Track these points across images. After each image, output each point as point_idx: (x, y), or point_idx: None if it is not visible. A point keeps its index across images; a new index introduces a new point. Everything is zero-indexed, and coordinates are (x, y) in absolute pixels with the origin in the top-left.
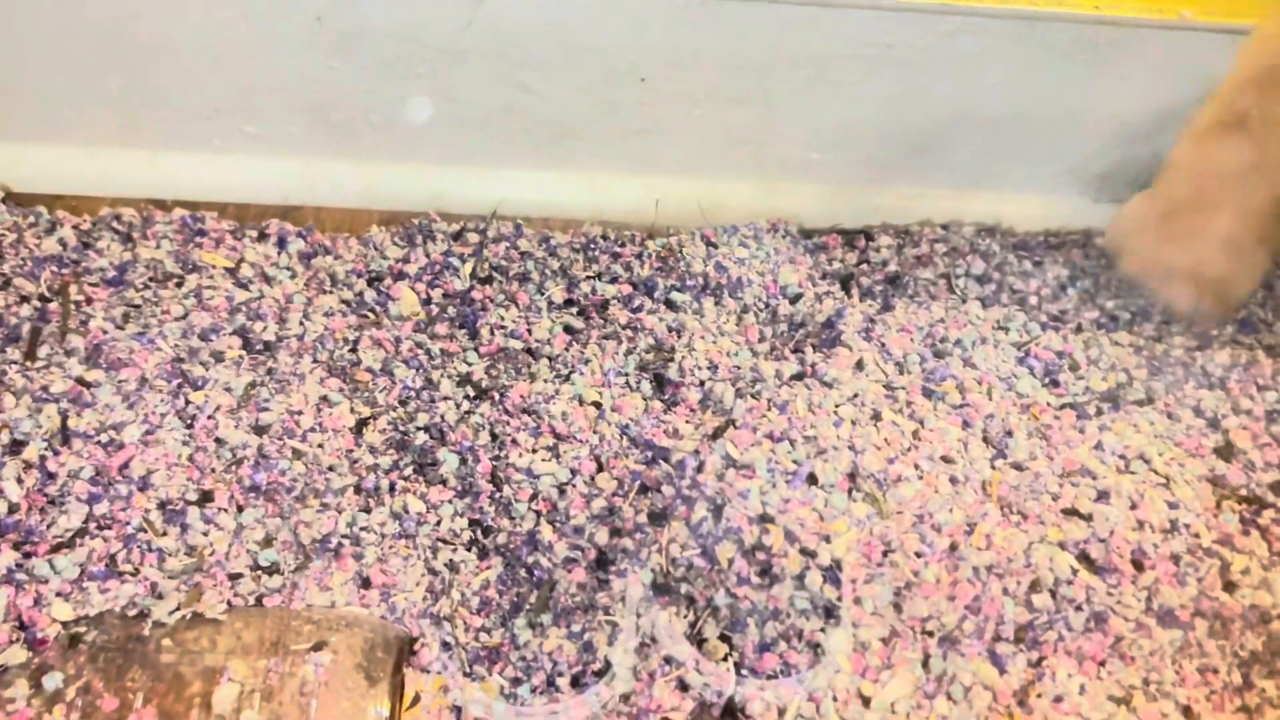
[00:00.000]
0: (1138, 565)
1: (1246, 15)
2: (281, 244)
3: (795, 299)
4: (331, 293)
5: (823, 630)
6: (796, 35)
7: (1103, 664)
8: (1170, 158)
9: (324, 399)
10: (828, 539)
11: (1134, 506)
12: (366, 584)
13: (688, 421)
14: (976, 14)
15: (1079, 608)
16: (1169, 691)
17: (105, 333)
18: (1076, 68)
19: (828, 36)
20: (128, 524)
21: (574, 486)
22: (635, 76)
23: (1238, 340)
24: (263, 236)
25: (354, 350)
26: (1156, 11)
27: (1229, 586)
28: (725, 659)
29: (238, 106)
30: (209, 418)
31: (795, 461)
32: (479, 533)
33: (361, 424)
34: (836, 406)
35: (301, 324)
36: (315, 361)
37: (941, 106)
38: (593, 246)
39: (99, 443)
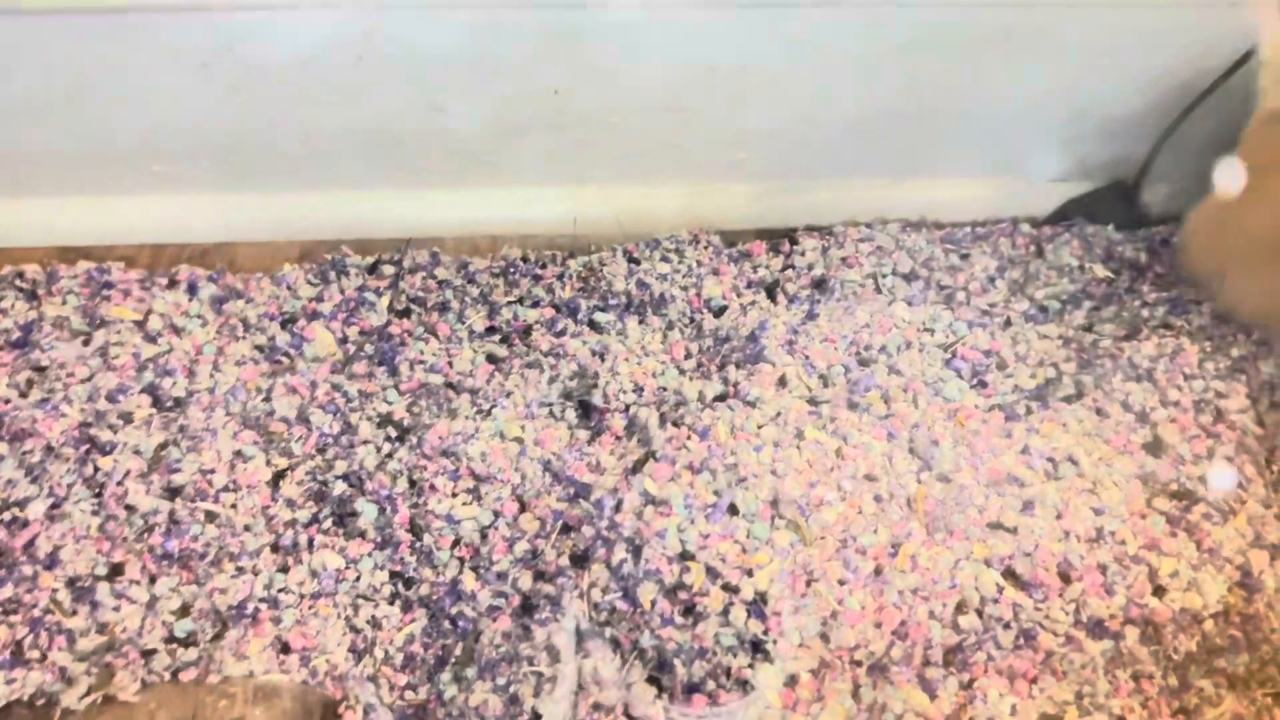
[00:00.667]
0: (1064, 577)
1: None
2: (192, 290)
3: (720, 312)
4: (244, 339)
5: (751, 666)
6: (714, 38)
7: (1034, 681)
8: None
9: (238, 454)
10: (750, 572)
11: (1059, 516)
12: (286, 649)
13: (611, 452)
14: (892, 4)
15: (1007, 625)
16: (1102, 704)
17: (8, 402)
18: (1000, 53)
19: (743, 37)
20: (34, 607)
21: (496, 530)
22: (548, 89)
23: (1168, 324)
24: (173, 284)
25: (268, 399)
26: None
27: (1158, 591)
28: (655, 701)
29: (144, 147)
30: (118, 484)
31: (716, 492)
32: (400, 585)
33: (278, 477)
34: (759, 428)
35: (212, 376)
36: (228, 414)
37: (866, 98)
38: (513, 270)
39: (1, 522)
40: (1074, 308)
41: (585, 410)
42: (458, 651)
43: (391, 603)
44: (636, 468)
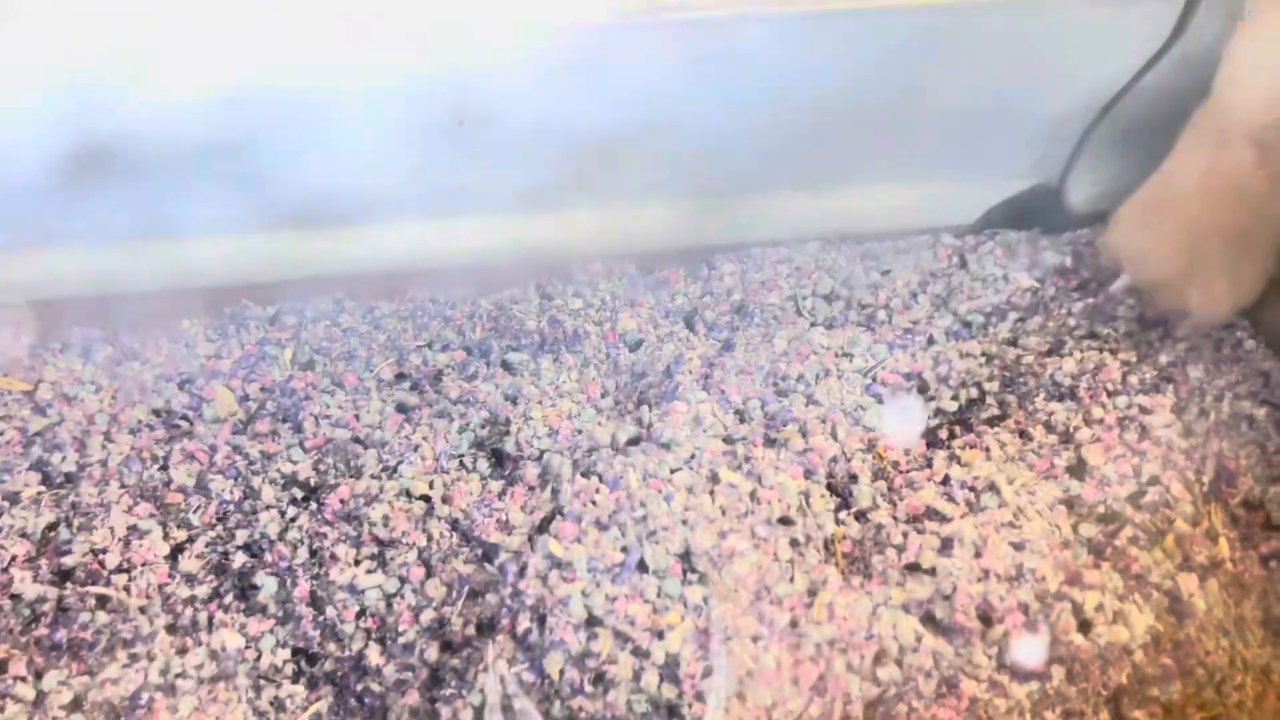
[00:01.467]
0: (985, 620)
1: None
2: (86, 355)
3: (636, 346)
4: (140, 403)
5: None
6: (626, 53)
7: None
8: (1176, 159)
9: (133, 529)
10: (661, 634)
11: (979, 554)
12: None
13: (523, 506)
14: (803, 18)
15: (928, 675)
16: None
17: None
18: (915, 59)
19: (654, 56)
20: None
21: (402, 598)
22: (452, 120)
23: (1094, 333)
24: (65, 348)
25: (165, 468)
26: None
27: (1084, 627)
28: None
29: None
30: (3, 571)
31: (624, 549)
32: (304, 662)
33: (176, 550)
34: (673, 472)
35: (105, 447)
36: (122, 487)
37: (782, 112)
38: (421, 313)
39: None
40: (999, 320)
41: (498, 459)
42: None
43: (295, 681)
44: (543, 526)
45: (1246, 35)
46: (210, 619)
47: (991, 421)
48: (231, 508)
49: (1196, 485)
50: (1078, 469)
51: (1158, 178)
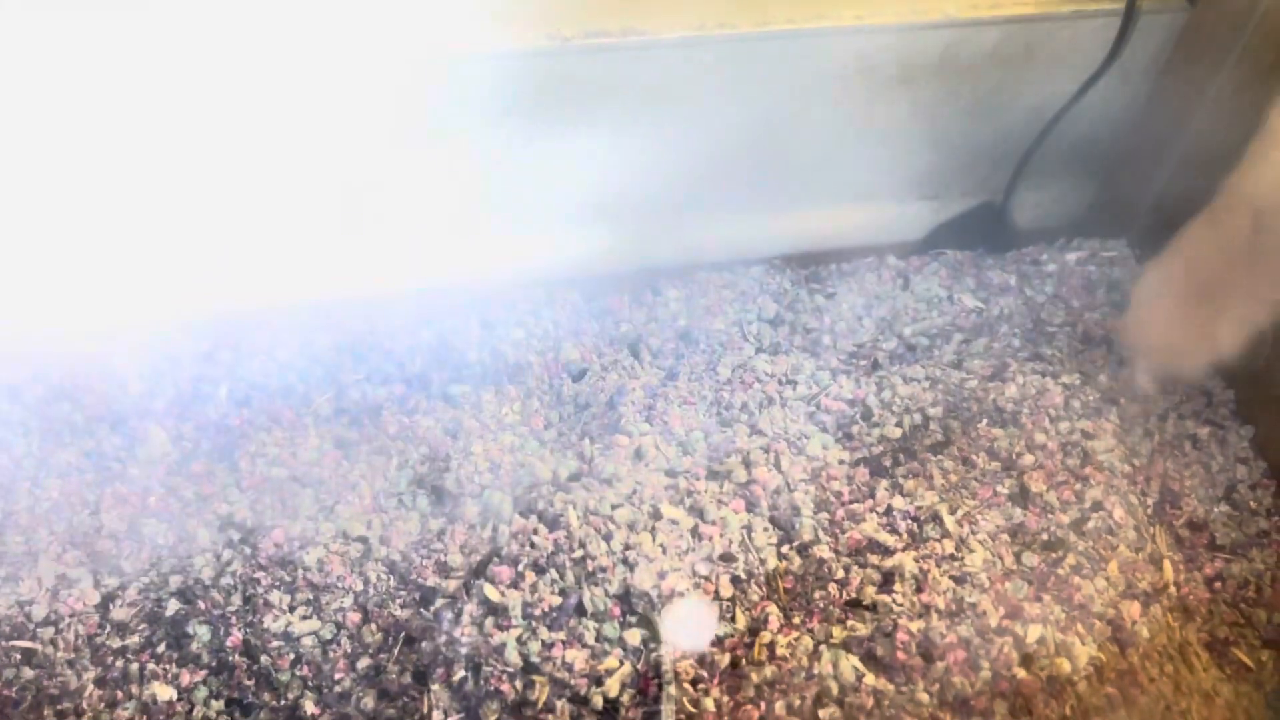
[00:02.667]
0: (926, 657)
1: (1011, 6)
2: (14, 395)
3: (579, 376)
4: (70, 445)
5: None
6: (564, 76)
7: None
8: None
9: (62, 578)
10: (599, 680)
11: (920, 590)
12: None
13: (462, 547)
14: (750, 38)
15: (869, 714)
16: None
17: None
18: (857, 80)
19: (598, 73)
20: None
21: (338, 645)
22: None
23: (1038, 354)
24: None
25: (95, 513)
26: (921, 14)
27: (1026, 660)
28: None
29: None
30: None
31: (562, 592)
32: (238, 713)
33: (107, 600)
34: (613, 509)
35: (33, 493)
36: (51, 534)
37: (726, 134)
38: (359, 345)
39: None
40: (943, 342)
41: (438, 496)
42: None
43: None
44: (480, 569)
45: None
46: (141, 670)
47: (935, 448)
48: (165, 552)
49: (1140, 509)
50: (1020, 496)
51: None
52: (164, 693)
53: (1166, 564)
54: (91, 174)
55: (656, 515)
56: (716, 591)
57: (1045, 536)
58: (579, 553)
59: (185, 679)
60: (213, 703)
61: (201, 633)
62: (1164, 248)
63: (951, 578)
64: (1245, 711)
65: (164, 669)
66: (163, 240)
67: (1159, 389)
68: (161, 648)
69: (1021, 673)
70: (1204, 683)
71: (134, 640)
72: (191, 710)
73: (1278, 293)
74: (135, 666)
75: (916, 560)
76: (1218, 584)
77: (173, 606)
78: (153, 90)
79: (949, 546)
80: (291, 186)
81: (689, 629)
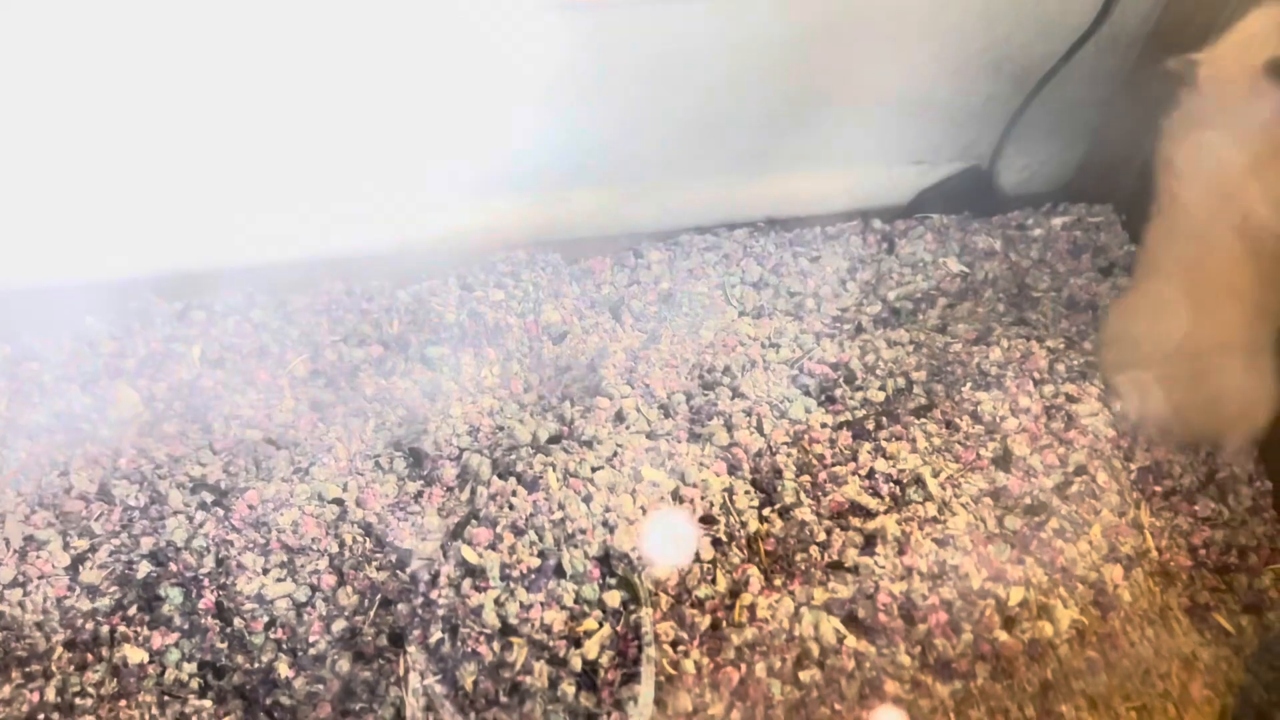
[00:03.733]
0: (908, 619)
1: None
2: None
3: (560, 338)
4: (40, 405)
5: None
6: (546, 40)
7: None
8: (1146, 285)
9: (30, 539)
10: (578, 642)
11: (902, 552)
12: None
13: (440, 509)
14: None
15: (850, 676)
16: None
17: None
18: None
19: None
20: None
21: (313, 608)
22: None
23: (1023, 319)
24: None
25: (65, 474)
26: None
27: (1008, 623)
28: None
29: None
30: None
31: (541, 554)
32: (211, 675)
33: (77, 561)
34: (594, 471)
35: (0, 454)
36: (19, 495)
37: (709, 96)
38: (336, 306)
39: None
40: (928, 306)
41: (415, 459)
42: None
43: (202, 696)
44: (458, 531)
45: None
46: (112, 633)
47: (918, 412)
48: (136, 514)
49: (1123, 474)
50: (1004, 460)
51: (1127, 309)
52: (135, 655)
53: (1148, 529)
54: (62, 121)
55: (637, 477)
56: (697, 554)
57: (1028, 500)
58: (558, 515)
59: (157, 641)
60: (185, 665)
61: (173, 595)
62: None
63: (934, 540)
64: (1224, 675)
65: (135, 632)
66: (133, 195)
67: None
68: (133, 610)
69: (1003, 635)
70: (1184, 647)
71: (104, 603)
72: (163, 673)
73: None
74: (106, 629)
75: (899, 523)
76: (1199, 550)
77: (144, 569)
78: (127, 30)
79: (931, 509)
80: (266, 143)
81: (668, 542)
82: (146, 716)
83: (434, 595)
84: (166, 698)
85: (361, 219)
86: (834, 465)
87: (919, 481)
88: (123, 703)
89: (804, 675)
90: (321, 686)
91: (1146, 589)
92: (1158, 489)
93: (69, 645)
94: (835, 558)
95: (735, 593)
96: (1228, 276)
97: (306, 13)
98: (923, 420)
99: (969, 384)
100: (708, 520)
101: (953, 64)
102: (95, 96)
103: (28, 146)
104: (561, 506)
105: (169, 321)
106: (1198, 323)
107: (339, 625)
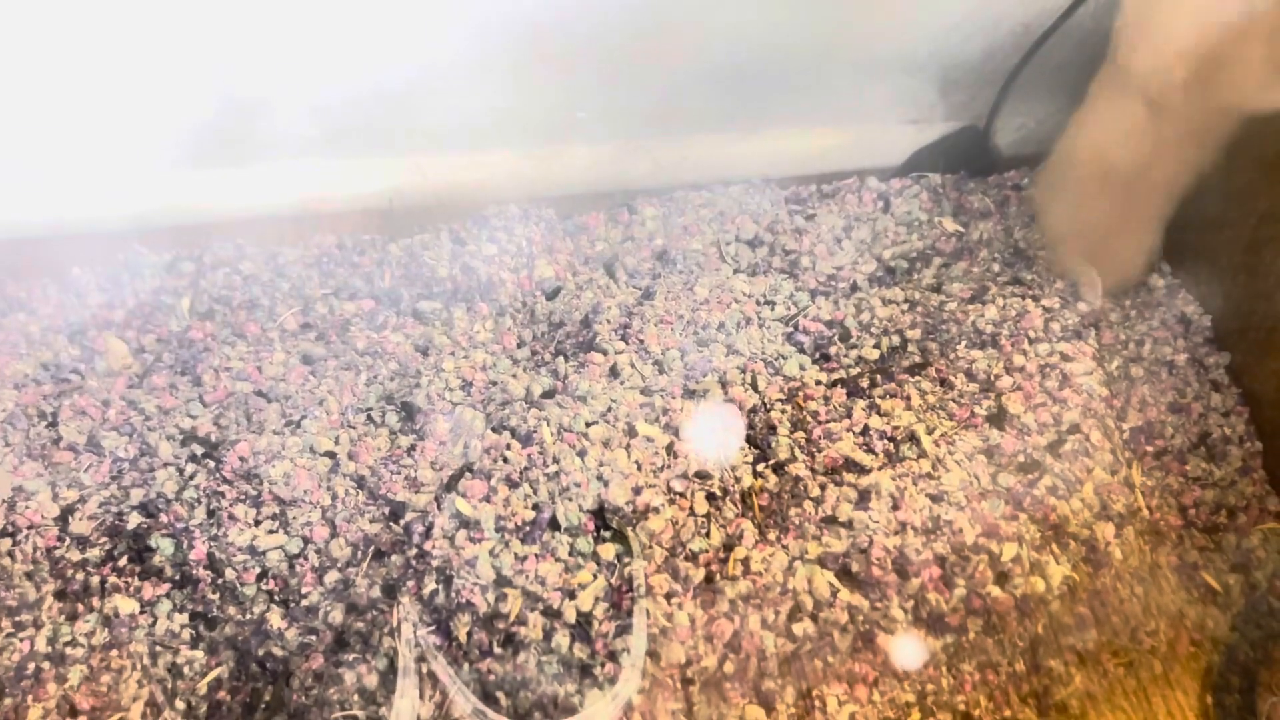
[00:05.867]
0: (902, 573)
1: None
2: None
3: (553, 294)
4: (27, 356)
5: (579, 693)
6: None
7: (874, 684)
8: (1079, 118)
9: (19, 490)
10: (573, 594)
11: (896, 507)
12: (74, 712)
13: (432, 463)
14: None
15: (843, 629)
16: (946, 701)
17: None
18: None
19: None
20: None
21: (305, 559)
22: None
23: (1018, 279)
24: None
25: (53, 425)
26: None
27: (1001, 579)
28: None
29: None
30: None
31: (535, 507)
32: (203, 626)
33: (66, 512)
34: (588, 425)
35: None
36: (7, 446)
37: (703, 49)
38: (327, 259)
39: None
40: (923, 266)
41: (408, 413)
42: (267, 697)
43: (194, 647)
44: (451, 484)
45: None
46: (103, 583)
47: (913, 370)
48: (126, 465)
49: (1116, 433)
50: (998, 418)
51: (1063, 137)
52: (126, 606)
53: (1139, 488)
54: (44, 68)
55: (631, 433)
56: (691, 508)
57: (1022, 458)
58: (553, 468)
59: (148, 592)
60: (176, 616)
61: (164, 546)
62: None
63: (928, 496)
64: (1210, 634)
65: (126, 582)
66: (118, 145)
67: (1105, 300)
68: (123, 561)
69: (996, 590)
70: (1172, 604)
71: (94, 553)
72: (155, 623)
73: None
74: (96, 579)
75: (893, 479)
76: (1189, 509)
77: (134, 520)
78: None
79: (925, 466)
80: (255, 93)
81: (715, 435)
82: (138, 666)
83: (428, 547)
84: (158, 648)
85: (351, 173)
86: (828, 422)
87: (913, 438)
88: (114, 653)
89: (797, 628)
90: (314, 637)
91: (1137, 547)
92: (1149, 449)
93: (59, 595)
94: (829, 512)
95: (729, 546)
96: (1128, 139)
97: None
98: (917, 378)
99: (964, 342)
100: (702, 475)
101: (950, 20)
102: (76, 40)
103: (7, 95)
104: (556, 460)
105: (157, 273)
106: (1099, 174)
107: (331, 577)
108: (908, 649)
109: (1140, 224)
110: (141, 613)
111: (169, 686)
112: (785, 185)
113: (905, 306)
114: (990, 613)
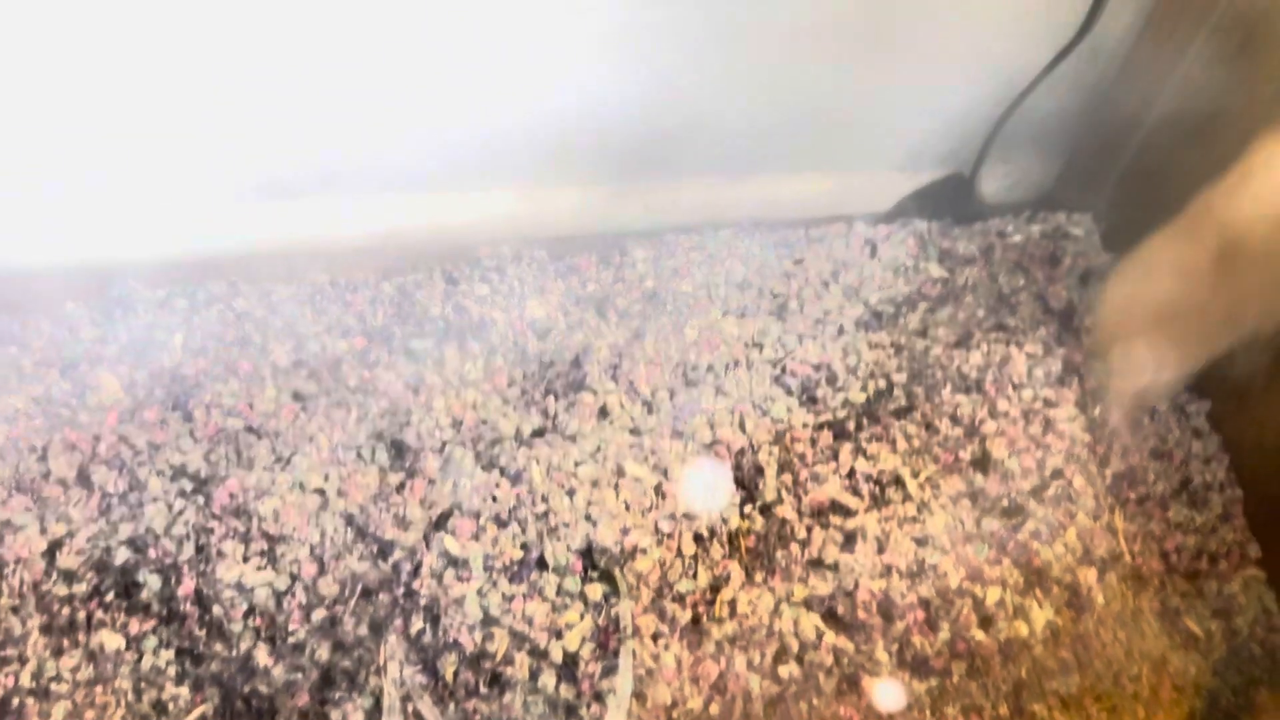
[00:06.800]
0: (886, 616)
1: None
2: None
3: (544, 334)
4: (18, 390)
5: None
6: (529, 19)
7: None
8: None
9: (6, 524)
10: (559, 634)
11: (881, 550)
12: None
13: (421, 501)
14: None
15: (828, 672)
16: None
17: None
18: (829, 44)
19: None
20: None
21: (293, 596)
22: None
23: (1002, 324)
24: None
25: (43, 459)
26: None
27: (985, 622)
28: None
29: None
30: None
31: (524, 546)
32: (189, 663)
33: (54, 546)
34: (577, 465)
35: None
36: None
37: (697, 94)
38: (320, 297)
39: None
40: (909, 310)
41: (398, 451)
42: None
43: (179, 683)
44: (440, 522)
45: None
46: (89, 618)
47: (898, 413)
48: (115, 500)
49: (1099, 478)
50: (982, 462)
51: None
52: (112, 641)
53: (1122, 533)
54: (42, 103)
55: (620, 473)
56: (679, 549)
57: (1005, 502)
58: (541, 508)
59: (134, 628)
60: (162, 652)
61: (152, 581)
62: (1128, 254)
63: (913, 539)
64: (1193, 680)
65: (112, 617)
66: (114, 181)
67: (1131, 425)
68: (110, 596)
69: (980, 634)
70: (1154, 650)
71: (81, 588)
72: (140, 659)
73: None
74: (83, 614)
75: (879, 522)
76: (1171, 555)
77: (122, 555)
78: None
79: (911, 509)
80: (248, 133)
81: (705, 490)
82: (123, 702)
83: (415, 585)
84: (143, 684)
85: (346, 211)
86: (815, 464)
87: (899, 481)
88: (99, 688)
89: (782, 670)
90: (300, 675)
91: (1119, 592)
92: (1132, 494)
93: (45, 630)
94: (816, 555)
95: (716, 588)
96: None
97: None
98: (903, 421)
99: (949, 387)
100: (689, 516)
101: (937, 71)
102: (76, 77)
103: (6, 128)
104: (545, 499)
105: (150, 309)
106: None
107: (319, 614)
108: (892, 692)
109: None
110: (127, 649)
111: None
112: (774, 229)
113: (891, 351)
114: (974, 656)
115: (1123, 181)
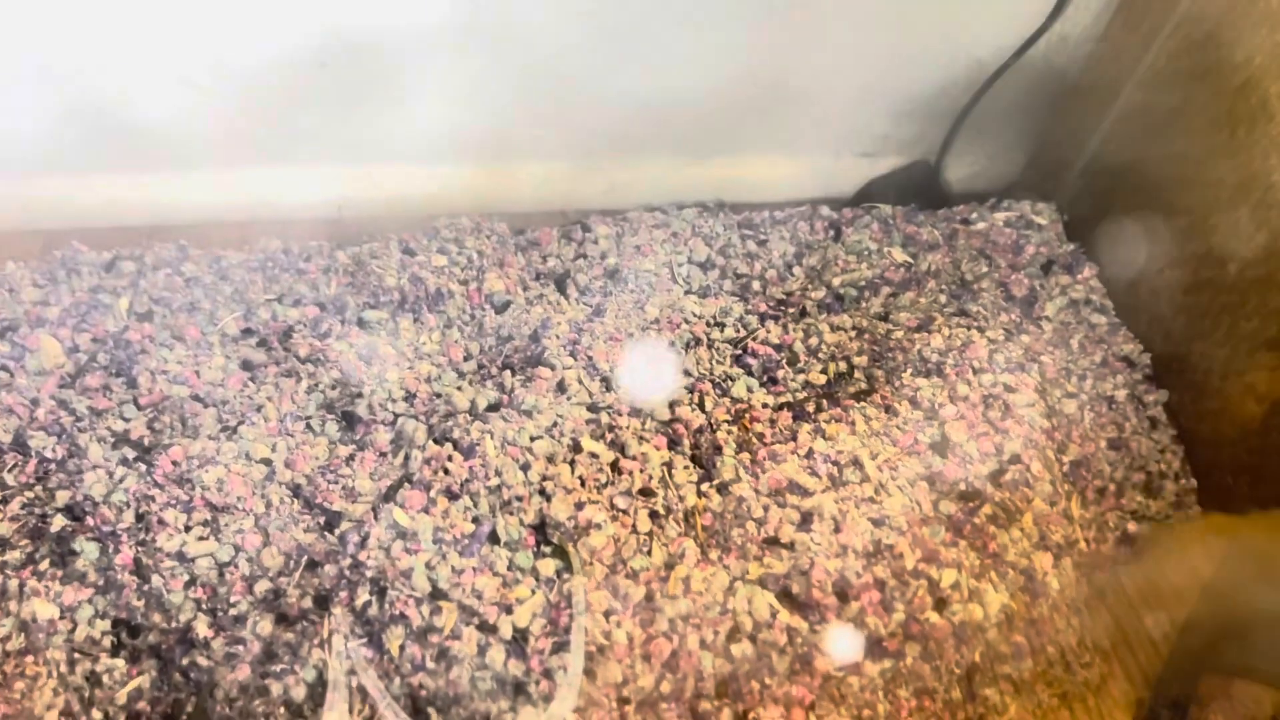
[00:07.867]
0: (841, 596)
1: None
2: None
3: (503, 308)
4: None
5: (512, 710)
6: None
7: (811, 708)
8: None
9: None
10: (510, 609)
11: (838, 529)
12: None
13: (371, 474)
14: None
15: (782, 651)
16: None
17: None
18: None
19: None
20: None
21: (236, 568)
22: (314, 62)
23: (964, 310)
24: None
25: None
26: None
27: (939, 605)
28: None
29: None
30: None
31: (475, 520)
32: (125, 634)
33: None
34: (532, 440)
35: None
36: None
37: (661, 74)
38: (272, 264)
39: None
40: (871, 294)
41: (348, 422)
42: (189, 708)
43: (115, 654)
44: (389, 494)
45: None
46: (21, 586)
47: (858, 396)
48: (53, 466)
49: (1056, 465)
50: (941, 446)
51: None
52: (45, 610)
53: (1078, 520)
54: None
55: (576, 448)
56: (634, 525)
57: (963, 486)
58: (494, 481)
59: (69, 597)
60: (98, 622)
61: (89, 550)
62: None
63: (870, 520)
64: (1144, 670)
65: (46, 586)
66: (62, 140)
67: None
68: (45, 564)
69: (934, 616)
70: (1105, 639)
71: (14, 556)
72: (74, 629)
73: None
74: (15, 583)
75: (836, 502)
76: (1123, 544)
77: (58, 522)
78: None
79: (868, 490)
80: (209, 93)
81: (648, 377)
82: (54, 674)
83: (362, 557)
84: (77, 655)
85: (302, 179)
86: (774, 444)
87: (857, 463)
88: (29, 659)
89: (736, 649)
90: (241, 647)
91: (1074, 579)
92: (1088, 481)
93: None
94: (772, 534)
95: (670, 565)
96: None
97: None
98: (862, 404)
99: (909, 370)
100: (646, 493)
101: (904, 55)
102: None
103: None
104: (499, 473)
105: (96, 271)
106: None
107: (262, 586)
108: (845, 670)
109: None
110: (61, 618)
111: (86, 695)
112: (739, 210)
113: (853, 333)
114: (928, 639)
115: (1087, 172)
